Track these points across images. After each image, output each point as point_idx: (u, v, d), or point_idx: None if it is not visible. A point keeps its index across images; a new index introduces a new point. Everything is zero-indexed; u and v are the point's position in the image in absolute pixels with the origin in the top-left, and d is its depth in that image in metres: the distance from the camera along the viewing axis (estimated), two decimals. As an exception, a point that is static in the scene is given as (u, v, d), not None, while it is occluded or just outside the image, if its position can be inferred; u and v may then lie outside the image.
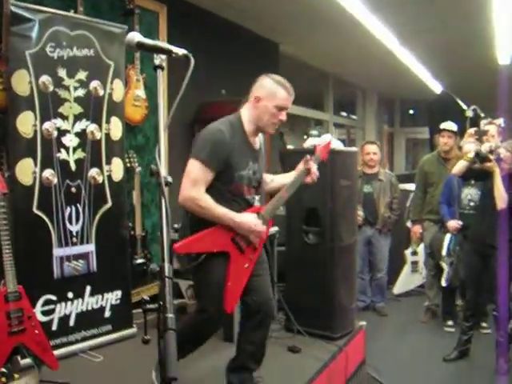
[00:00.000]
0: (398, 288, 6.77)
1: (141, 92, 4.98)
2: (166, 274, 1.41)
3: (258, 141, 3.17)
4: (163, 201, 1.54)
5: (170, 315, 1.37)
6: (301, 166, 3.31)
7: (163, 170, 1.61)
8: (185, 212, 3.06)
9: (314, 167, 3.28)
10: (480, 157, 4.33)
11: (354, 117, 14.30)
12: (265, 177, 3.32)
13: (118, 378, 3.64)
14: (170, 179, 1.62)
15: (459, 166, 4.63)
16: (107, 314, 4.33)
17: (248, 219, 2.95)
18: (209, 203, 2.86)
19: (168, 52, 1.77)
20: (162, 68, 1.78)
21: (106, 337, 4.27)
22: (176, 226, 4.55)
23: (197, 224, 2.93)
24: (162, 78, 1.79)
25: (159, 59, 1.78)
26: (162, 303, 1.37)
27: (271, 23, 7.29)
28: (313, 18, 6.99)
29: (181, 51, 1.78)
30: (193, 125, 6.16)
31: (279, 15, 6.99)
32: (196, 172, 2.86)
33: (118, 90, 4.39)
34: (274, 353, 4.11)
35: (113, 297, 4.36)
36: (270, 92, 2.97)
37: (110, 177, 4.33)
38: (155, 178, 1.60)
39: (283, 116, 3.00)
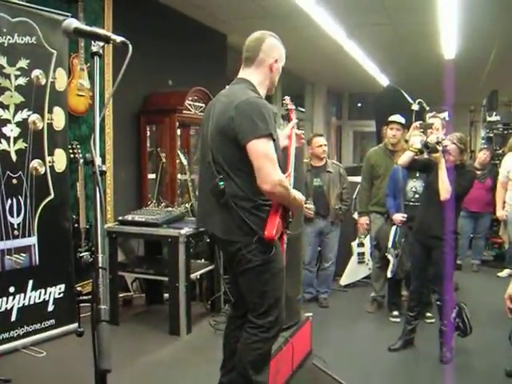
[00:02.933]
0: (345, 279, 6.83)
1: (85, 81, 4.90)
2: (100, 264, 1.38)
3: None
4: (97, 190, 1.50)
5: (103, 306, 1.34)
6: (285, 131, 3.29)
7: (98, 159, 1.57)
8: (213, 200, 2.77)
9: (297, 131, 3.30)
10: (428, 147, 4.38)
11: (302, 109, 14.36)
12: (105, 168, 3.19)
13: (61, 374, 3.58)
14: (104, 168, 1.58)
15: (405, 157, 4.68)
16: (50, 308, 4.26)
17: (299, 194, 2.86)
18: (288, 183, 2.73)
19: (106, 39, 1.72)
20: (99, 55, 1.73)
21: (50, 332, 4.19)
22: (121, 218, 4.49)
23: (253, 210, 2.72)
24: (98, 65, 1.74)
25: (97, 46, 1.73)
26: (95, 294, 1.34)
27: (219, 14, 7.26)
28: (261, 10, 6.99)
29: (119, 38, 1.73)
30: (139, 115, 6.10)
31: (227, 6, 6.97)
32: (272, 152, 2.65)
33: (60, 79, 4.30)
34: (220, 345, 4.09)
35: (56, 291, 4.28)
36: (281, 52, 2.95)
37: (52, 168, 4.24)
38: (90, 167, 1.57)
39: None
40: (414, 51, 9.45)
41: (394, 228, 5.32)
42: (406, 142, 5.62)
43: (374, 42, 8.61)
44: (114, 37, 1.71)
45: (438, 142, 4.37)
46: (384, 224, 5.63)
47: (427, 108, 6.55)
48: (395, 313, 5.67)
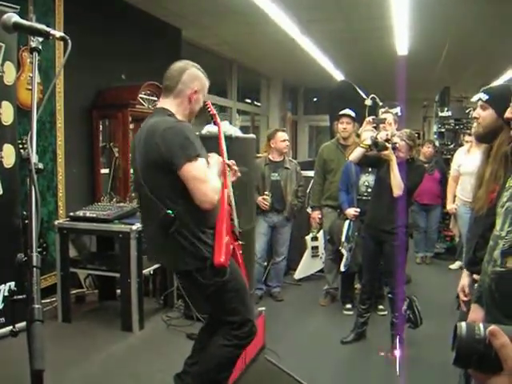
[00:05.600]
0: (299, 273, 6.87)
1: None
2: (34, 263, 1.36)
3: None
4: (33, 188, 1.48)
5: (37, 306, 1.33)
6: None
7: (34, 157, 1.55)
8: (162, 232, 2.79)
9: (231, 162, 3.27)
10: (377, 145, 4.43)
11: (258, 104, 14.39)
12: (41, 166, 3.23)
13: (11, 373, 3.52)
14: (41, 166, 1.56)
15: (356, 153, 4.72)
16: (0, 306, 4.18)
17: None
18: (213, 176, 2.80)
19: (45, 34, 1.70)
20: (38, 51, 1.71)
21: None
22: (72, 214, 4.44)
23: (200, 236, 2.79)
24: (37, 61, 1.71)
25: (36, 41, 1.70)
26: (28, 294, 1.33)
27: (173, 8, 7.21)
28: (216, 5, 6.97)
29: (58, 34, 1.71)
30: (91, 110, 6.03)
31: (182, 1, 6.93)
32: (202, 170, 2.72)
33: (9, 72, 4.22)
34: (173, 340, 4.10)
35: (6, 288, 4.20)
36: (203, 83, 2.96)
37: (0, 163, 4.17)
38: (26, 164, 1.55)
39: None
40: (368, 47, 9.55)
41: (347, 222, 5.37)
42: (358, 136, 5.67)
43: (328, 38, 8.67)
44: (53, 32, 1.69)
45: (387, 140, 4.43)
46: (337, 218, 5.68)
47: (380, 103, 6.62)
48: (348, 306, 5.74)
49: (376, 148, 4.46)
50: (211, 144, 4.34)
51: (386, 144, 4.42)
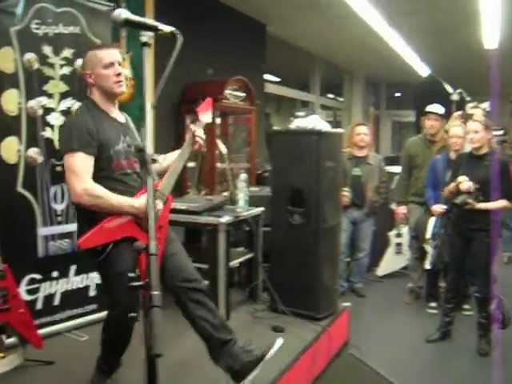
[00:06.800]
0: (382, 270, 6.81)
1: (126, 71, 4.94)
2: (152, 251, 1.41)
3: (123, 115, 3.15)
4: (149, 178, 1.53)
5: (156, 292, 1.37)
6: (187, 136, 3.22)
7: (149, 148, 1.61)
8: (76, 208, 2.93)
9: (198, 132, 3.19)
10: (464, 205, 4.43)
11: (340, 99, 14.29)
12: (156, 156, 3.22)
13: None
14: (156, 157, 1.61)
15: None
16: (92, 293, 4.32)
17: (126, 199, 2.82)
18: (104, 191, 2.75)
19: (155, 29, 1.75)
20: (148, 45, 1.77)
21: (91, 316, 4.26)
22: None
23: (94, 214, 2.79)
24: (147, 56, 1.77)
25: (146, 36, 1.76)
26: (147, 280, 1.37)
27: (258, 4, 7.25)
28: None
29: (168, 28, 1.76)
30: (179, 104, 6.13)
31: (267, -4, 6.97)
32: (76, 164, 2.75)
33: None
34: (259, 332, 4.14)
35: (98, 276, 4.34)
36: (91, 60, 2.93)
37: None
38: (141, 155, 1.60)
39: (116, 69, 2.91)
40: (455, 40, 9.30)
41: (432, 219, 5.29)
42: (446, 132, 5.57)
43: (415, 30, 8.49)
44: (162, 27, 1.74)
45: (469, 192, 4.38)
46: (423, 215, 5.60)
47: (468, 98, 6.47)
48: (433, 304, 5.66)
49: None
50: (302, 139, 4.40)
51: (467, 200, 4.39)
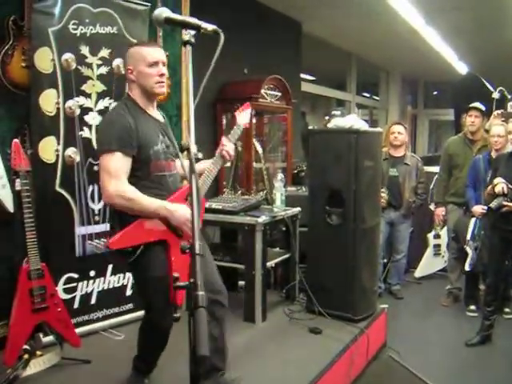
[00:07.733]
0: (420, 271, 6.72)
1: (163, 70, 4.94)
2: (197, 251, 1.39)
3: (161, 115, 3.07)
4: (193, 176, 1.51)
5: (201, 293, 1.35)
6: (218, 150, 3.16)
7: (193, 147, 1.58)
8: (110, 208, 2.95)
9: (227, 147, 3.13)
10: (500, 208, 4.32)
11: (376, 98, 14.17)
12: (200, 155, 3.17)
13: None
14: (200, 156, 1.60)
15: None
16: (128, 292, 4.34)
17: (184, 211, 2.77)
18: (137, 193, 2.72)
19: (197, 27, 1.73)
20: (191, 44, 1.74)
21: (128, 315, 4.28)
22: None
23: (126, 216, 2.76)
24: (190, 54, 1.74)
25: (188, 35, 1.73)
26: (192, 281, 1.35)
27: (294, 2, 7.21)
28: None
29: (210, 27, 1.74)
30: (215, 104, 6.13)
31: (302, -6, 6.93)
32: (112, 164, 2.71)
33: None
34: (296, 334, 4.11)
35: (134, 276, 4.36)
36: (134, 57, 2.86)
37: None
38: (185, 154, 1.59)
39: (160, 69, 2.85)
40: (495, 36, 9.13)
41: (473, 220, 5.20)
42: (487, 131, 5.48)
43: (453, 28, 8.36)
44: (204, 25, 1.72)
45: (501, 207, 4.27)
46: (463, 216, 5.50)
47: (509, 96, 6.35)
48: (472, 307, 5.55)
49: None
50: (339, 139, 4.35)
51: (504, 203, 4.28)
